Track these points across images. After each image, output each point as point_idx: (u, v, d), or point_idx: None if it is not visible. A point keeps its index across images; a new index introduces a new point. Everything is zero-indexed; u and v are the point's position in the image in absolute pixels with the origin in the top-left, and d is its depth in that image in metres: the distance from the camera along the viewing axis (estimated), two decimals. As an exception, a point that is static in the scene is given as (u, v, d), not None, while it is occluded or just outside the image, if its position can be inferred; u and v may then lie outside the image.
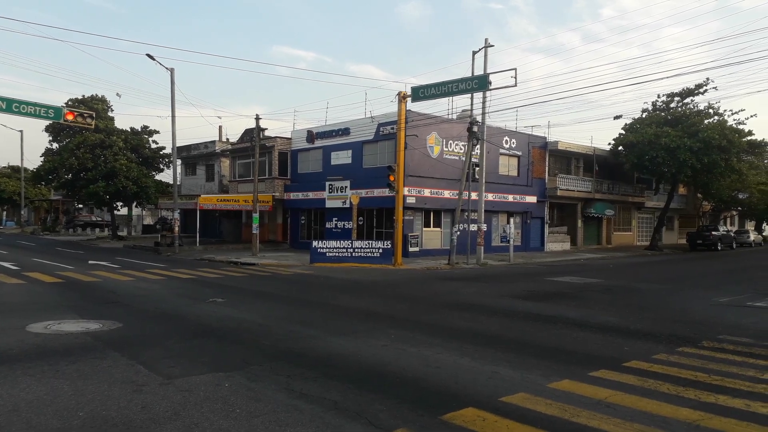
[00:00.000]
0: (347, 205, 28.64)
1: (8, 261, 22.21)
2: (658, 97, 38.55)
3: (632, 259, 31.30)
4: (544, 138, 35.39)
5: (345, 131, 30.71)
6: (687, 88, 36.52)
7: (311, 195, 32.28)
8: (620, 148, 36.75)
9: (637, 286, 17.38)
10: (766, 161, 50.62)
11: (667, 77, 59.80)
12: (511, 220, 31.15)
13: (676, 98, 37.44)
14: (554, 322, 10.72)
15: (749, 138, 37.06)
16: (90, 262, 22.76)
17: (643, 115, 37.95)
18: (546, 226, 35.73)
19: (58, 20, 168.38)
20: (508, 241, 27.34)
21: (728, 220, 58.63)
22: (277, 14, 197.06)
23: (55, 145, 39.52)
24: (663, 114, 37.13)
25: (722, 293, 15.60)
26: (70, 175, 37.33)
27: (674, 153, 33.11)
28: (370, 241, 24.75)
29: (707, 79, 35.40)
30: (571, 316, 11.45)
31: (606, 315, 11.75)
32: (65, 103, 36.71)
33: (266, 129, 31.55)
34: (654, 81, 73.45)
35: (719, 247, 39.19)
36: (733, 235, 43.87)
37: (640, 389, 6.28)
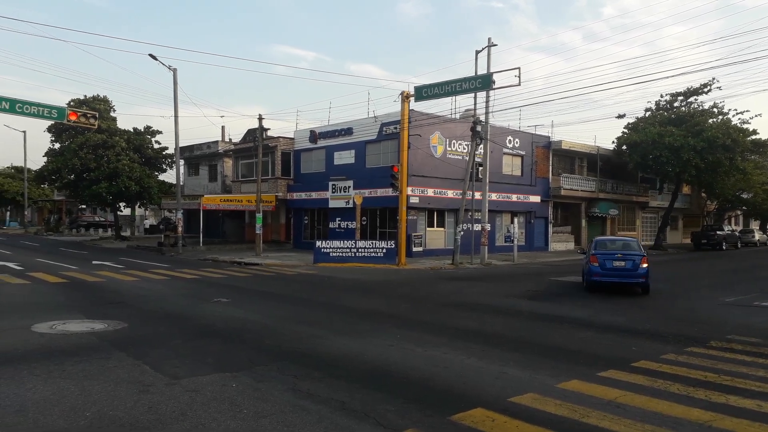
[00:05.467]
0: (350, 205, 28.59)
1: (12, 261, 22.23)
2: (662, 96, 38.46)
3: (636, 258, 31.13)
4: (548, 137, 35.28)
5: (348, 131, 30.66)
6: (691, 88, 36.38)
7: (314, 195, 32.26)
8: (624, 147, 36.63)
9: (642, 285, 17.27)
10: (770, 160, 50.46)
11: (671, 76, 59.66)
12: (515, 219, 31.08)
13: (680, 98, 37.33)
14: (560, 322, 10.67)
15: (754, 137, 36.96)
16: (94, 262, 22.77)
17: (647, 115, 37.85)
18: (550, 226, 35.64)
19: (57, 20, 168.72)
20: (512, 241, 27.27)
21: (732, 220, 58.46)
22: (276, 14, 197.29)
23: (57, 146, 39.53)
24: (666, 113, 37.02)
25: (729, 293, 15.52)
26: (73, 176, 37.38)
27: (678, 152, 32.99)
28: (374, 241, 24.71)
29: (713, 78, 35.28)
30: (577, 316, 11.40)
31: (612, 315, 11.70)
32: (67, 104, 36.71)
33: (269, 129, 31.55)
34: (657, 80, 73.30)
35: (724, 247, 39.08)
36: (737, 234, 43.74)
37: (649, 389, 6.23)
